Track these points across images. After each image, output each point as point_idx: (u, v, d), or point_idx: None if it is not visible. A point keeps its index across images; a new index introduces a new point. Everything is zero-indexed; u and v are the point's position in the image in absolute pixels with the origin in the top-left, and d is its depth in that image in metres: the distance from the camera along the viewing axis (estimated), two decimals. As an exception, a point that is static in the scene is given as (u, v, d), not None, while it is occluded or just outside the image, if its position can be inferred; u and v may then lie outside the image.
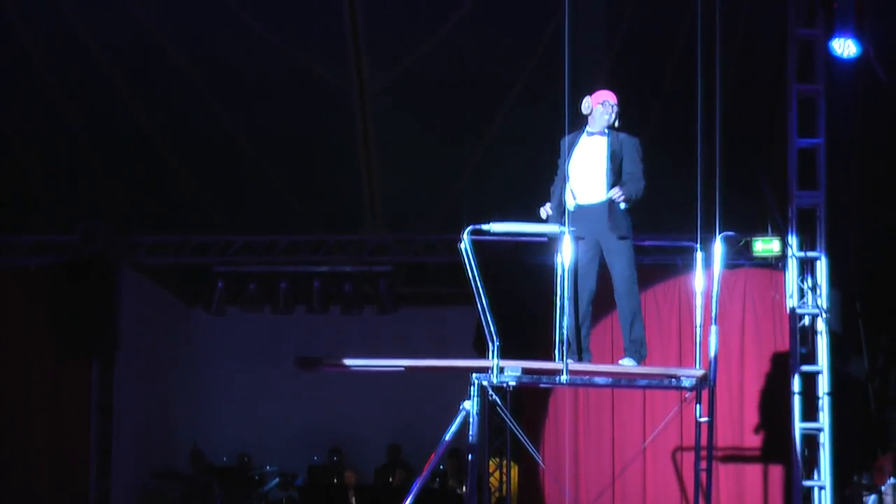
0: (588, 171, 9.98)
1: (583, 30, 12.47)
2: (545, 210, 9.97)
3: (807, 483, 14.21)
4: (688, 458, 14.12)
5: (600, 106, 10.08)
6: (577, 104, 10.06)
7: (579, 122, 10.16)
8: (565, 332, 9.50)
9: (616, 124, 10.11)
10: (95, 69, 14.63)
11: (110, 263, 15.66)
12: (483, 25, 14.21)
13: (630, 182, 9.94)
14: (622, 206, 9.89)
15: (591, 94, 10.15)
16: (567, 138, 10.04)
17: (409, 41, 14.45)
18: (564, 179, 9.96)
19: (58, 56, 14.63)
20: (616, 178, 9.94)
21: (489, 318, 9.10)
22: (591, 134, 10.08)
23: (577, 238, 9.77)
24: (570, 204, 9.93)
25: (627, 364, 9.89)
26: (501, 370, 9.18)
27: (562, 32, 9.67)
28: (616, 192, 9.86)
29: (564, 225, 9.51)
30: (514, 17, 14.18)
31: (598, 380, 9.98)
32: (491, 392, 9.31)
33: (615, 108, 10.09)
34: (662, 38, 14.04)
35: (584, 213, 9.91)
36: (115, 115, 15.17)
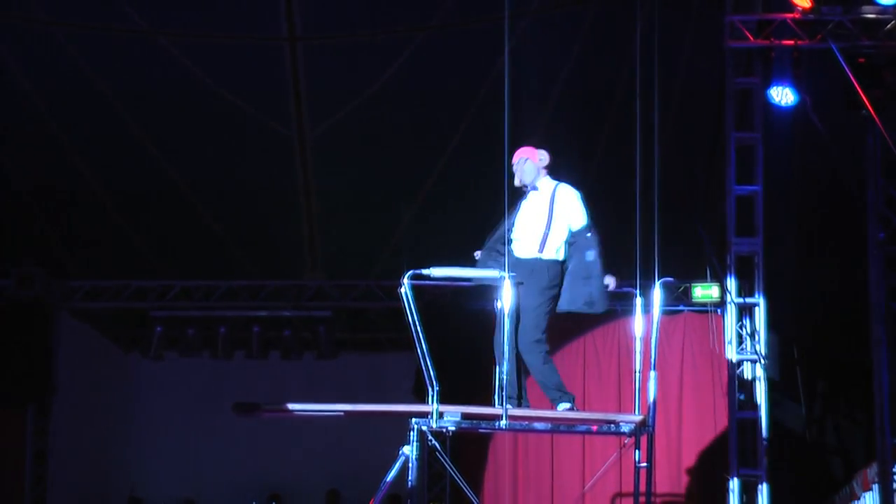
0: (524, 227, 9.96)
1: (522, 80, 12.57)
2: (477, 254, 9.96)
3: (745, 529, 14.27)
4: (627, 504, 14.14)
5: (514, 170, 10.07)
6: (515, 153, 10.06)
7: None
8: (505, 378, 9.48)
9: (540, 167, 10.01)
10: (35, 115, 14.57)
11: (46, 308, 15.55)
12: (423, 75, 14.26)
13: (593, 242, 9.94)
14: (612, 287, 9.90)
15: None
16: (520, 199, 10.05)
17: (350, 90, 14.49)
18: (502, 237, 9.92)
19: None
20: (553, 236, 9.90)
21: (429, 364, 9.08)
22: (528, 192, 10.07)
23: (518, 283, 9.76)
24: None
25: (565, 409, 9.88)
26: (441, 415, 9.15)
27: (500, 83, 9.69)
28: (612, 282, 9.87)
29: (505, 270, 9.50)
30: (453, 66, 14.25)
31: (538, 425, 9.95)
32: (430, 437, 9.28)
33: (520, 163, 9.91)
34: (602, 86, 14.14)
35: (518, 264, 9.90)
36: (53, 162, 15.10)
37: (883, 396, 13.54)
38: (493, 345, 9.60)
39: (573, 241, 9.87)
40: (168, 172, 15.19)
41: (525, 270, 9.82)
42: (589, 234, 9.91)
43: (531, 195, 9.99)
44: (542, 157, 10.01)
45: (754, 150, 14.09)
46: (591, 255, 9.87)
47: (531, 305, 9.83)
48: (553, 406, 9.98)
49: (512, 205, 9.99)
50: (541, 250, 9.86)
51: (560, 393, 9.89)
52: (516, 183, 9.96)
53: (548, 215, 9.87)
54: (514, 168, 9.96)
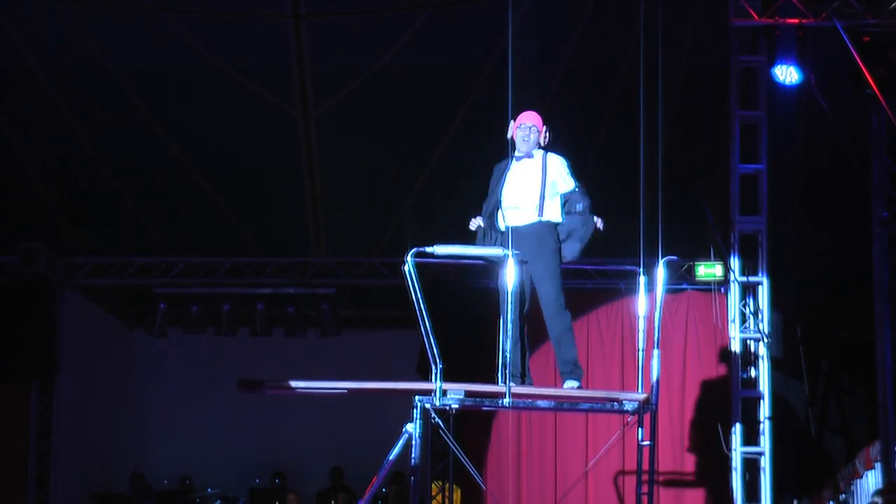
0: (518, 194, 9.94)
1: (526, 58, 12.56)
2: (476, 222, 9.94)
3: (747, 507, 14.30)
4: (630, 482, 14.15)
5: (519, 130, 10.03)
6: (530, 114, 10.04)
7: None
8: (508, 356, 9.50)
9: (542, 143, 10.03)
10: (40, 91, 14.55)
11: (50, 284, 15.55)
12: (427, 52, 14.24)
13: (584, 198, 9.96)
14: (600, 226, 9.91)
15: (514, 117, 10.05)
16: (501, 164, 10.03)
17: (355, 67, 14.46)
18: (496, 205, 9.93)
19: (0, 77, 14.55)
20: (549, 201, 9.92)
21: (432, 341, 9.09)
22: (519, 158, 10.03)
23: (522, 262, 9.78)
24: (500, 226, 9.94)
25: (571, 386, 9.90)
26: (444, 393, 9.18)
27: (505, 60, 9.69)
28: (600, 223, 9.90)
29: (505, 247, 9.52)
30: (458, 43, 14.23)
31: (541, 403, 9.97)
32: (434, 415, 9.30)
33: (534, 129, 9.96)
34: (606, 64, 14.12)
35: (514, 235, 9.90)
36: (57, 138, 15.09)
37: (886, 374, 13.56)
38: (503, 323, 9.59)
39: (565, 202, 9.92)
40: (172, 149, 15.18)
41: (532, 236, 9.84)
42: (577, 191, 9.96)
43: (522, 163, 9.98)
44: (546, 135, 10.05)
45: (758, 129, 14.08)
46: (580, 206, 9.93)
47: (549, 270, 9.86)
48: (560, 380, 10.01)
49: (502, 174, 10.00)
50: (540, 214, 9.90)
51: (573, 367, 9.92)
52: (520, 145, 9.93)
53: (541, 181, 9.90)
54: (527, 129, 9.92)
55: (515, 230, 9.88)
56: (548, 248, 9.87)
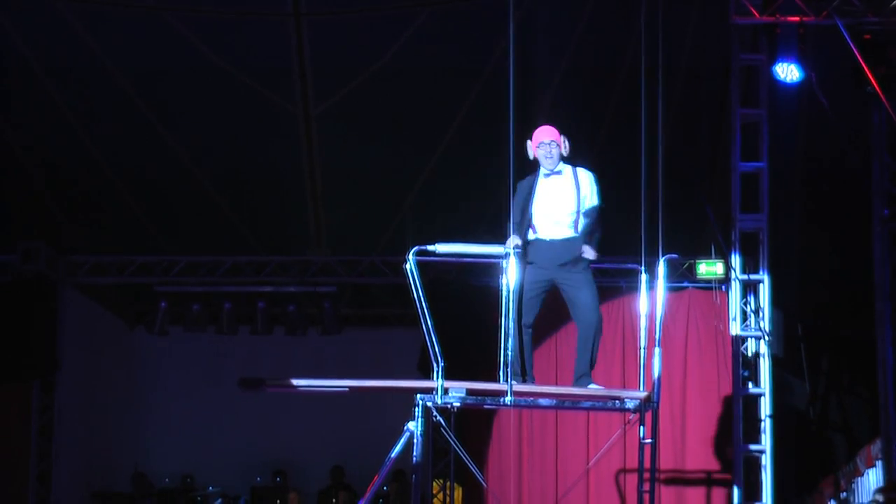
0: (551, 210, 9.98)
1: (527, 58, 12.56)
2: (512, 240, 9.85)
3: (749, 505, 14.31)
4: (631, 480, 14.15)
5: (539, 148, 10.03)
6: (520, 130, 10.03)
7: (523, 148, 10.14)
8: (510, 354, 9.51)
9: (564, 153, 10.05)
10: (40, 90, 14.54)
11: (51, 283, 15.54)
12: (428, 51, 14.24)
13: (593, 227, 9.98)
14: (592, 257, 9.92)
15: (530, 136, 10.08)
16: (525, 182, 10.04)
17: (355, 66, 14.45)
18: (520, 223, 9.92)
19: (1, 76, 14.55)
20: (581, 212, 9.96)
21: (434, 339, 9.11)
22: (548, 175, 10.06)
23: (527, 263, 9.79)
24: (529, 236, 9.95)
25: (596, 389, 9.94)
26: (446, 391, 9.20)
27: (506, 59, 9.70)
28: (590, 254, 9.87)
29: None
30: (459, 41, 14.23)
31: (542, 401, 10.00)
32: (435, 413, 9.31)
33: (554, 144, 9.99)
34: (608, 62, 14.12)
35: (544, 245, 9.93)
36: (57, 138, 15.08)
37: (887, 373, 13.56)
38: (505, 321, 9.60)
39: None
40: (173, 148, 15.18)
41: (569, 250, 9.85)
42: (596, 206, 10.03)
43: (551, 179, 10.00)
44: (565, 144, 10.06)
45: (759, 127, 14.07)
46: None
47: (588, 280, 9.96)
48: (561, 377, 10.05)
49: (515, 182, 10.00)
50: (576, 229, 9.94)
51: (591, 370, 10.00)
52: (545, 163, 9.93)
53: (576, 197, 9.94)
54: (547, 146, 9.93)
55: (550, 243, 9.91)
56: (584, 261, 9.92)
